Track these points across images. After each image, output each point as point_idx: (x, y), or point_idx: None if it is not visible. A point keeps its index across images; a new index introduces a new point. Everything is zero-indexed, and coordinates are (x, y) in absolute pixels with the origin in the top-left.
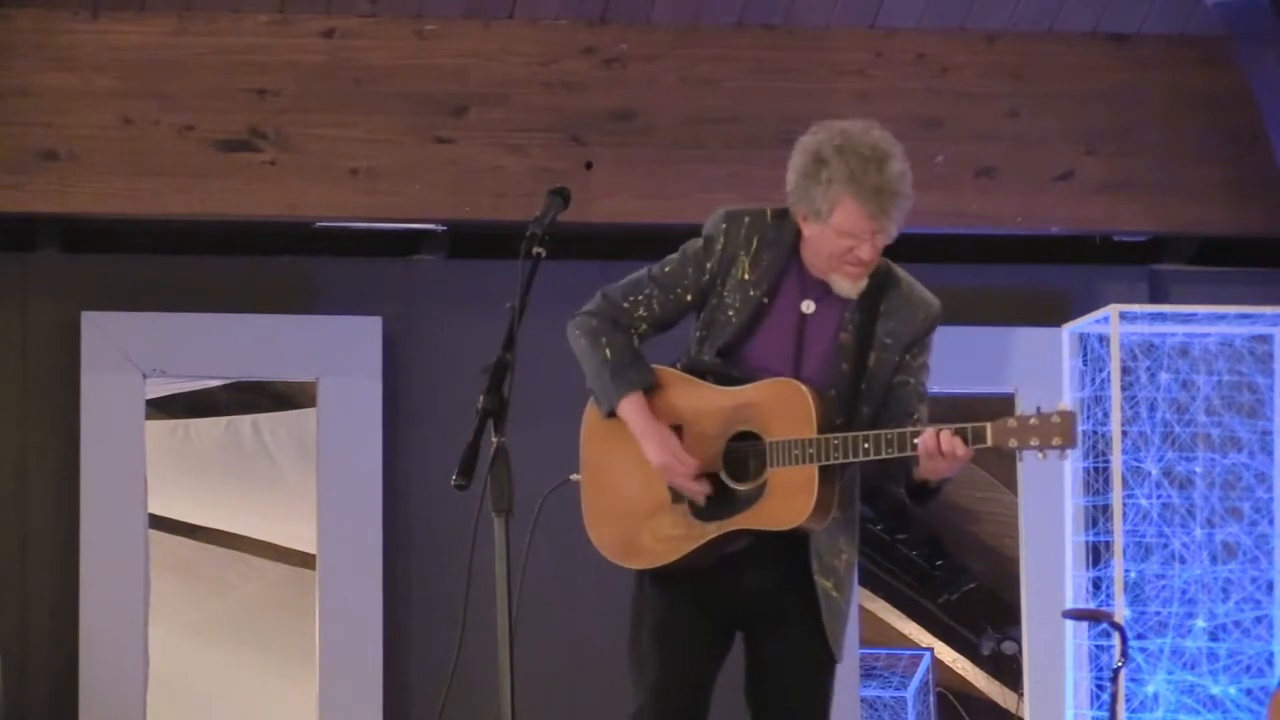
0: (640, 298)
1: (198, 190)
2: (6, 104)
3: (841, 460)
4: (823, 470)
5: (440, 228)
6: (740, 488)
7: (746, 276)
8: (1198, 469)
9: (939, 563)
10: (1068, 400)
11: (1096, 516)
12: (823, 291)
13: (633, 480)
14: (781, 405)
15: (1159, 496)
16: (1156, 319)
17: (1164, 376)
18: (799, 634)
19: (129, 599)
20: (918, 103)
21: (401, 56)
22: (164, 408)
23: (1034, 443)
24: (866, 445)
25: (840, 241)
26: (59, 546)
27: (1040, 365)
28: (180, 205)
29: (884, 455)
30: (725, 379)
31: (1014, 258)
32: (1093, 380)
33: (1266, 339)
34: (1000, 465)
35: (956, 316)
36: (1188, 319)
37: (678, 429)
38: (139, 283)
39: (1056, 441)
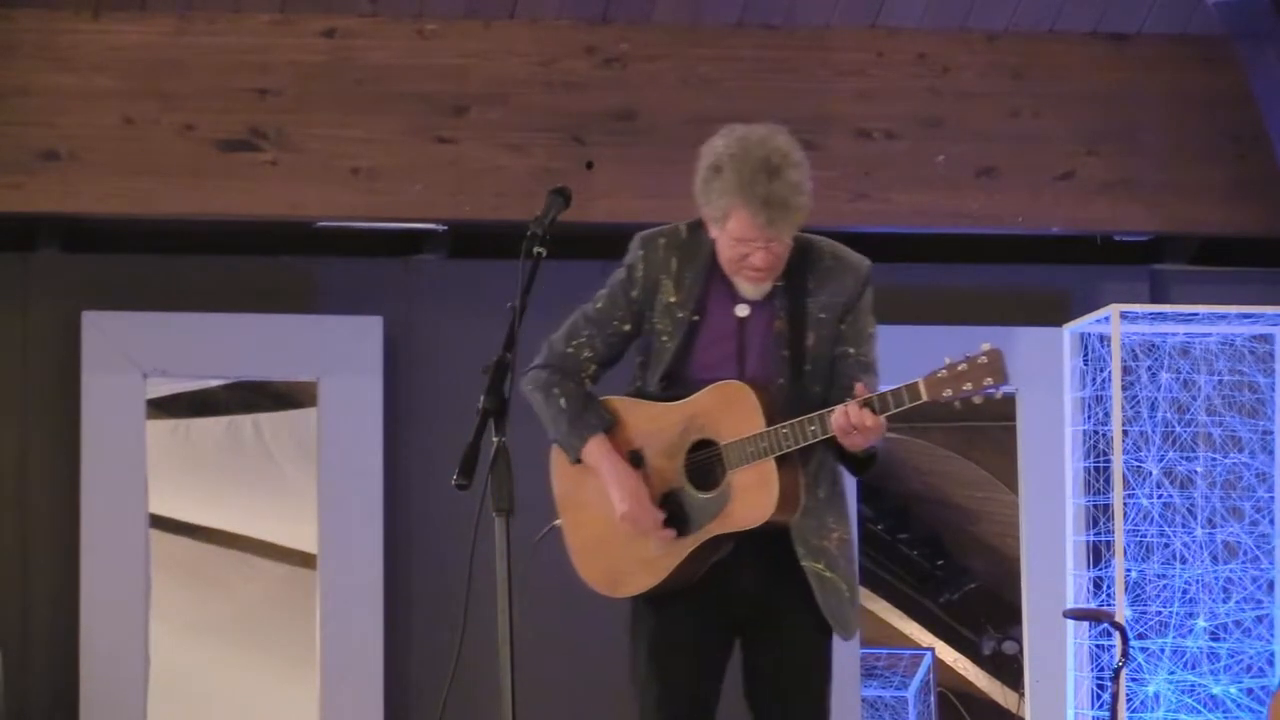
0: (582, 339)
1: (198, 190)
2: (7, 104)
3: (793, 447)
4: (780, 461)
5: (441, 228)
6: (706, 496)
7: (673, 299)
8: (1198, 469)
9: (940, 562)
10: (1068, 400)
11: (1097, 516)
12: None
13: (606, 512)
14: (727, 406)
15: (1160, 496)
16: (1157, 319)
17: (1165, 376)
18: (794, 623)
19: (129, 598)
20: (918, 102)
21: (402, 56)
22: (164, 407)
23: (967, 387)
24: (813, 428)
25: (735, 248)
26: (59, 546)
27: (1041, 365)
28: (181, 205)
29: (828, 434)
30: (675, 400)
31: (1015, 257)
32: (1093, 380)
33: (1267, 339)
34: (1001, 465)
35: (957, 316)
36: (1188, 319)
37: (638, 453)
38: (140, 282)
39: (988, 381)
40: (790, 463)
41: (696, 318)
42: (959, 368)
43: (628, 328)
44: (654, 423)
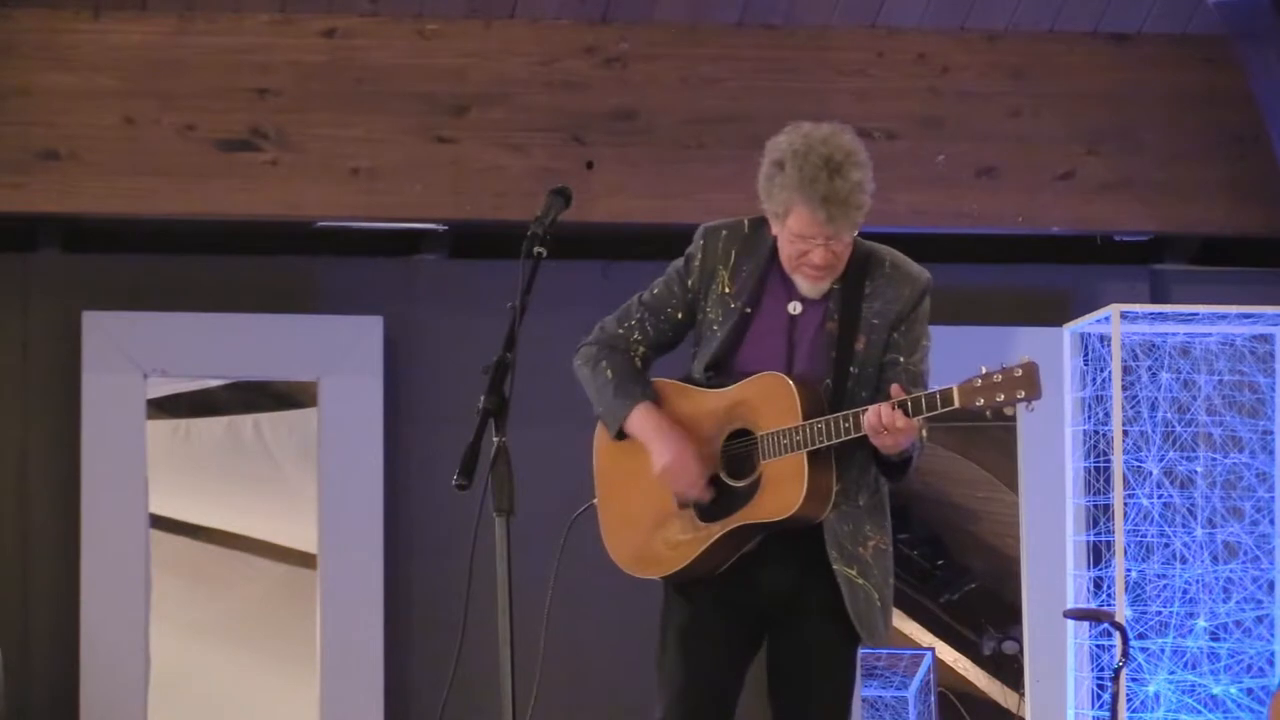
0: (633, 322)
1: (199, 190)
2: (8, 104)
3: (826, 443)
4: (813, 457)
5: (441, 227)
6: (738, 484)
7: (727, 290)
8: (1199, 469)
9: (940, 562)
10: (1069, 400)
11: (1097, 516)
12: None
13: (640, 492)
14: (767, 398)
15: (1160, 496)
16: (1157, 319)
17: (1165, 376)
18: (819, 626)
19: (130, 598)
20: (919, 102)
21: (402, 56)
22: (165, 407)
23: (999, 398)
24: (847, 425)
25: (795, 245)
26: (60, 546)
27: (1041, 365)
28: (181, 205)
29: (860, 433)
30: (719, 388)
31: (1015, 257)
32: (1094, 380)
33: (1267, 338)
34: (1001, 465)
35: (957, 316)
36: (1189, 319)
37: None
38: (140, 282)
39: (1021, 394)
40: (824, 460)
41: (749, 310)
42: (994, 378)
43: (680, 315)
44: (696, 408)
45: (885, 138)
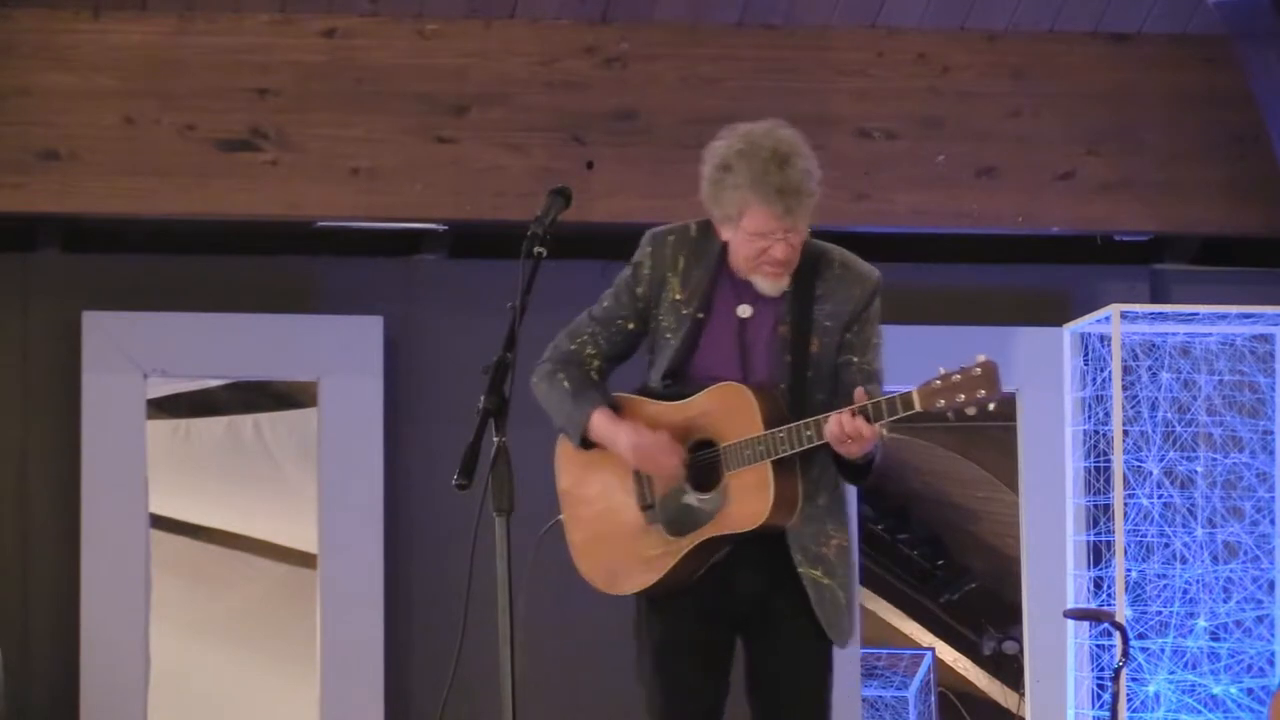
0: (586, 337)
1: (199, 190)
2: (8, 104)
3: (789, 452)
4: (778, 465)
5: (441, 227)
6: (705, 497)
7: (678, 296)
8: (1199, 468)
9: (940, 562)
10: (1069, 400)
11: (1098, 516)
12: (758, 293)
13: (608, 510)
14: (728, 409)
15: (1160, 496)
16: (1157, 319)
17: (1165, 376)
18: (793, 629)
19: (130, 598)
20: (919, 102)
21: (402, 56)
22: (165, 407)
23: (960, 399)
24: (809, 433)
25: (754, 244)
26: (60, 546)
27: (1041, 365)
28: (181, 205)
29: (822, 440)
30: (678, 397)
31: (1015, 257)
32: (1094, 380)
33: (1268, 338)
34: (1001, 465)
35: (957, 316)
36: (1189, 318)
37: None
38: (140, 282)
39: (981, 393)
40: (788, 467)
41: (701, 315)
42: (953, 378)
43: (632, 326)
44: (657, 421)
45: (885, 138)
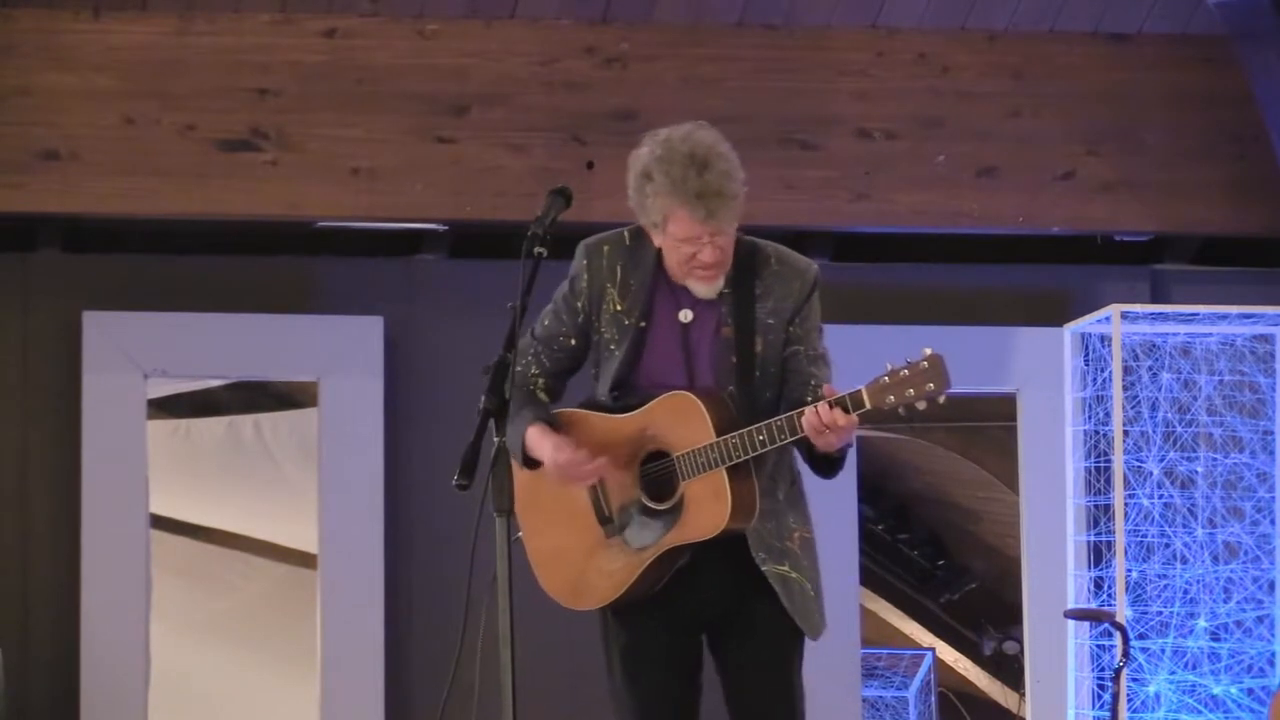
0: (530, 357)
1: (199, 190)
2: (8, 104)
3: (743, 457)
4: (732, 471)
5: (441, 227)
6: (661, 507)
7: (619, 307)
8: (1199, 469)
9: (940, 563)
10: (1069, 400)
11: (1098, 516)
12: (696, 297)
13: (566, 524)
14: (676, 418)
15: (1160, 496)
16: (1158, 319)
17: (1165, 376)
18: (767, 628)
19: (130, 598)
20: (919, 102)
21: (403, 56)
22: (165, 407)
23: (910, 393)
24: (761, 437)
25: (681, 249)
26: (60, 546)
27: (1042, 365)
28: (181, 205)
29: (782, 441)
30: (627, 409)
31: (1015, 257)
32: (1094, 380)
33: (1268, 339)
34: (1002, 465)
35: (958, 316)
36: (1189, 319)
37: None
38: (140, 282)
39: (930, 387)
40: (743, 472)
41: (643, 324)
42: (901, 374)
43: (574, 342)
44: (608, 435)
45: (885, 138)
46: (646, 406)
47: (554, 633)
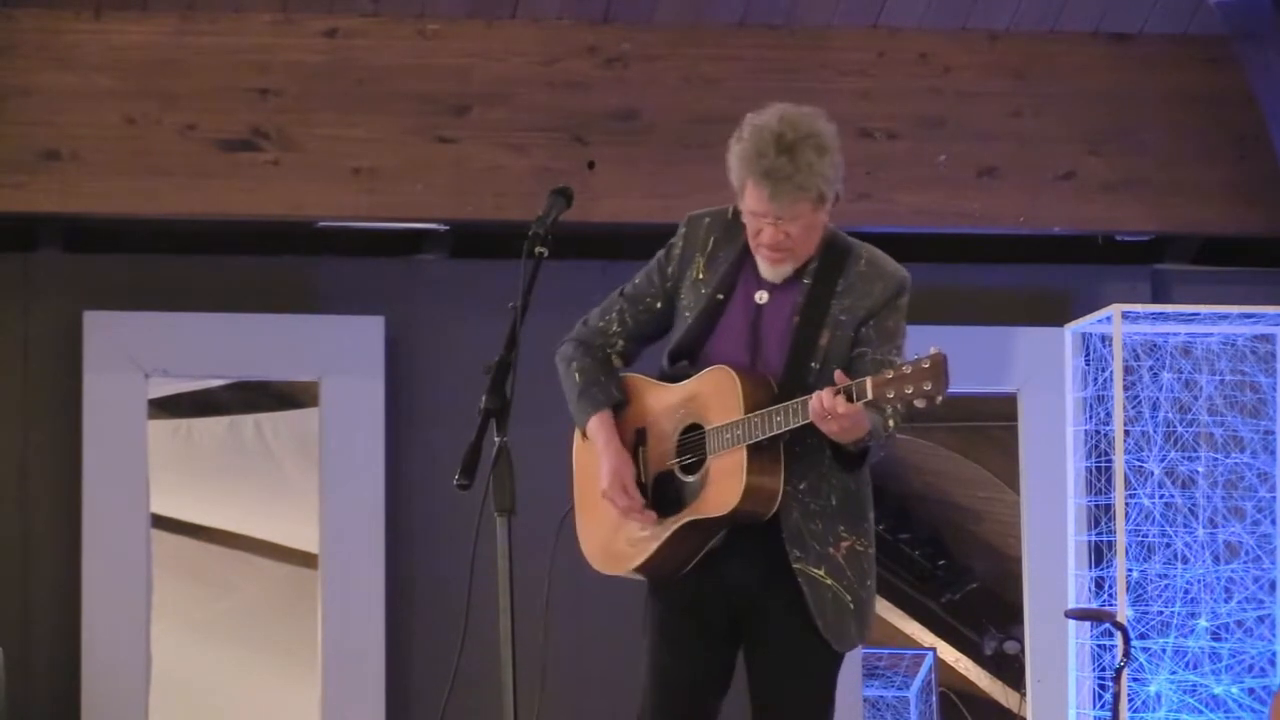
0: (614, 315)
1: (200, 190)
2: (9, 104)
3: (766, 436)
4: (754, 451)
5: (442, 227)
6: (689, 480)
7: (701, 276)
8: (1200, 469)
9: (941, 562)
10: (1070, 400)
11: (1099, 516)
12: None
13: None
14: (714, 392)
15: (1161, 496)
16: (1159, 319)
17: (1166, 376)
18: (783, 627)
19: (131, 598)
20: (920, 102)
21: (404, 56)
22: (166, 407)
23: (908, 391)
24: (779, 419)
25: (750, 221)
26: (61, 546)
27: (1043, 365)
28: (182, 205)
29: (795, 424)
30: (683, 378)
31: (1016, 257)
32: (1095, 380)
33: (1269, 339)
34: (1003, 465)
35: (959, 316)
36: (1190, 319)
37: (642, 431)
38: (141, 282)
39: (928, 386)
40: (767, 455)
41: (720, 297)
42: (904, 370)
43: (659, 305)
44: (657, 403)
45: (886, 138)
46: (693, 378)
47: (555, 632)
